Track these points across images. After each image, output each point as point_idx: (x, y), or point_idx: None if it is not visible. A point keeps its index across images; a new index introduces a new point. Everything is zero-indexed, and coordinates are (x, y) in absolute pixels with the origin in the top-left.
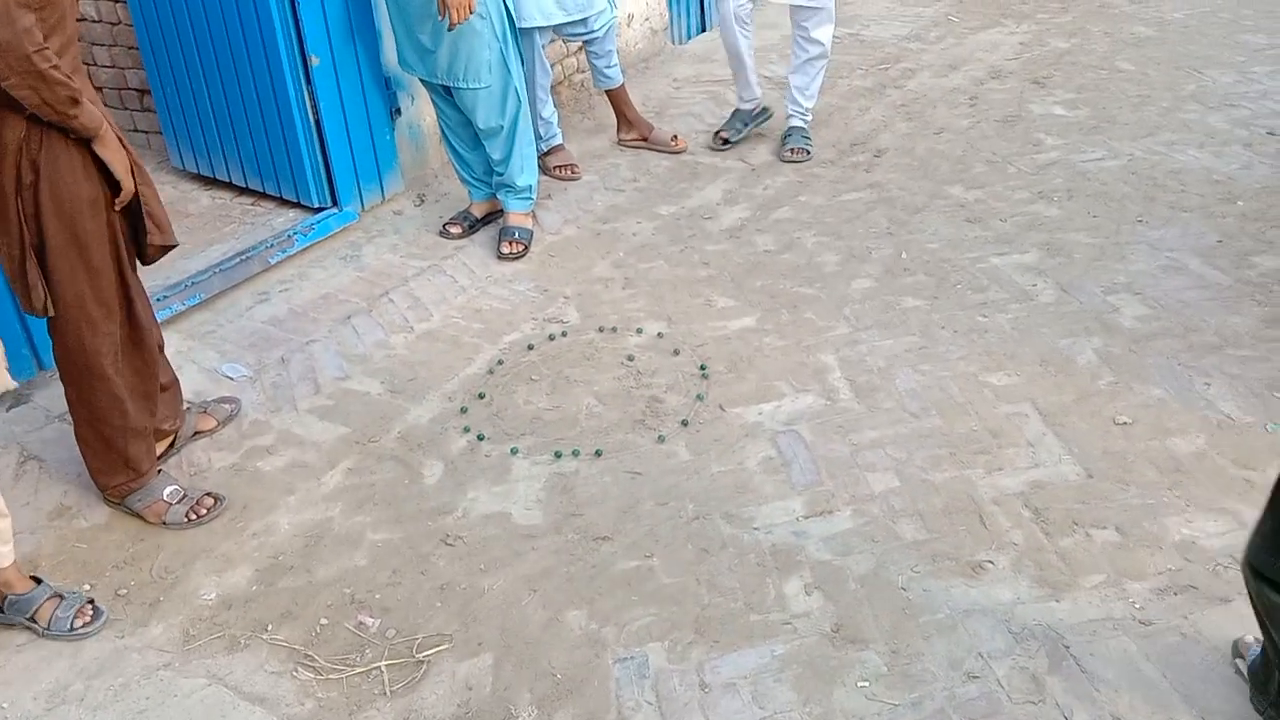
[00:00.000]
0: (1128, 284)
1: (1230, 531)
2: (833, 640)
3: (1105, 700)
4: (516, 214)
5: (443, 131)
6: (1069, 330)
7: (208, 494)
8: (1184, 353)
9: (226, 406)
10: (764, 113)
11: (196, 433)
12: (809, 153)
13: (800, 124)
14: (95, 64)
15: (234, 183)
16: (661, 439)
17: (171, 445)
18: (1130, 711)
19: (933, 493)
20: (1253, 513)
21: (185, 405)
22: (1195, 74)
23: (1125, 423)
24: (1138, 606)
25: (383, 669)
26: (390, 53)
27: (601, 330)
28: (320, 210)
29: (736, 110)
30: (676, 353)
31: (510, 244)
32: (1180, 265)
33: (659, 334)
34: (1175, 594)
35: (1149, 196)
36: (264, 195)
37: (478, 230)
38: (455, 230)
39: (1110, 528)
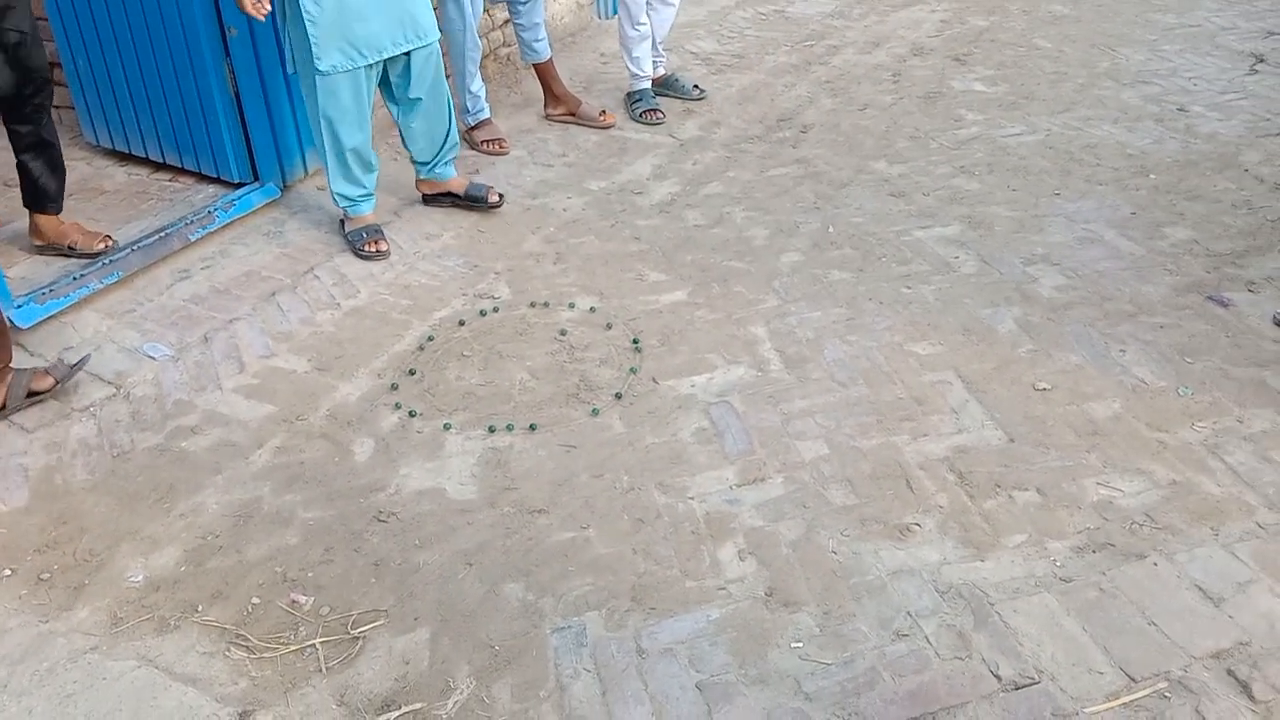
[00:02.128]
0: (1046, 255)
1: (1146, 491)
2: (766, 604)
3: (1029, 654)
4: (460, 177)
5: (338, 129)
6: (990, 300)
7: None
8: (1100, 321)
9: (65, 364)
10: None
11: (31, 393)
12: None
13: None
14: None
15: (151, 158)
16: (595, 412)
17: (1, 408)
18: (1052, 664)
19: (861, 459)
20: (1167, 473)
21: (16, 366)
22: (1109, 52)
23: (1045, 389)
24: (1058, 564)
25: (318, 646)
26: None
27: (533, 305)
28: (241, 186)
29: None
30: (609, 327)
31: (495, 192)
32: (1096, 237)
33: (591, 309)
34: (1094, 552)
35: (1066, 170)
36: (182, 171)
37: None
38: (382, 247)
39: (1031, 489)
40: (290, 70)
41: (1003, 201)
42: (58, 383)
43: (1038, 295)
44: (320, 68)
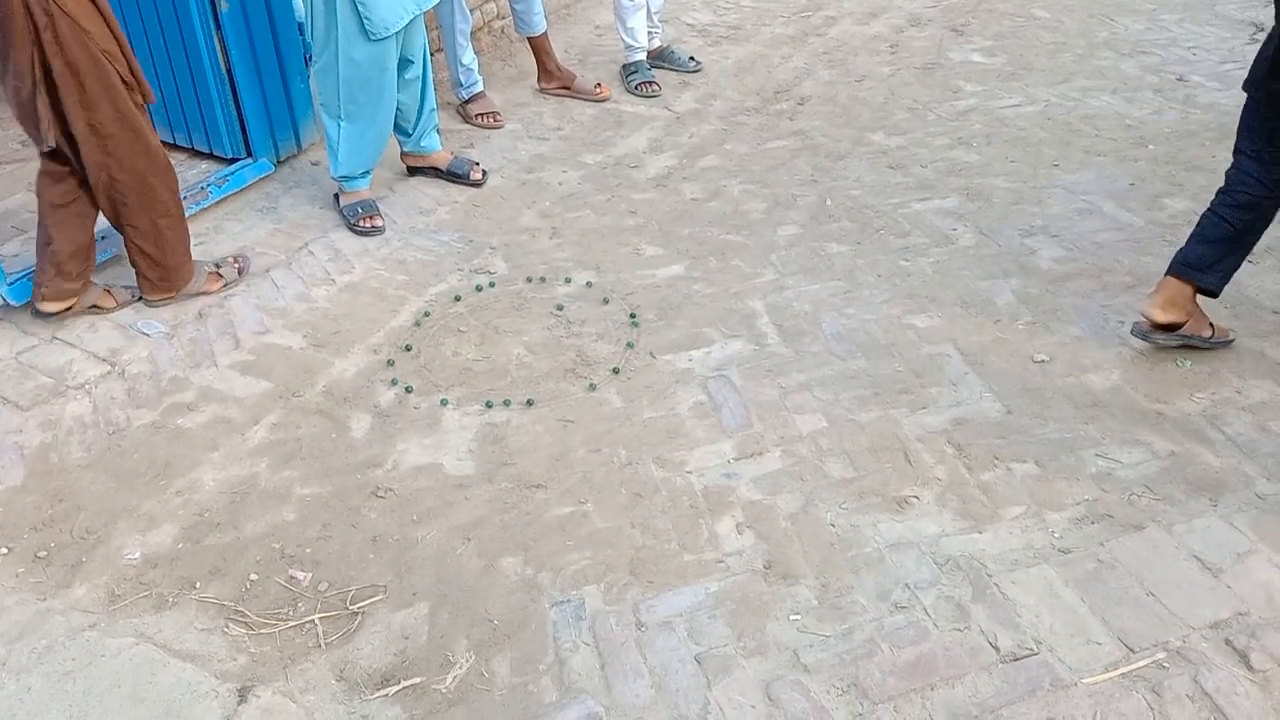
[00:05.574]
0: (1044, 227)
1: (1144, 462)
2: (764, 576)
3: (1027, 625)
4: (444, 151)
5: (378, 97)
6: (988, 272)
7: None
8: (1099, 292)
9: (129, 292)
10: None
11: (93, 306)
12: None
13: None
14: None
15: None
16: (593, 387)
17: (69, 308)
18: (1051, 635)
19: (859, 432)
20: (1165, 444)
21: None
22: (1108, 21)
23: (1043, 360)
24: (1056, 536)
25: (316, 622)
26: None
27: (530, 280)
28: (234, 161)
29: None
30: (606, 301)
31: (479, 169)
32: (1095, 208)
33: (588, 283)
34: (1092, 523)
35: (1064, 141)
36: (175, 147)
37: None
38: (377, 222)
39: (1030, 461)
40: (309, 40)
41: (1001, 173)
42: (118, 305)
43: (1036, 267)
44: (374, 33)
